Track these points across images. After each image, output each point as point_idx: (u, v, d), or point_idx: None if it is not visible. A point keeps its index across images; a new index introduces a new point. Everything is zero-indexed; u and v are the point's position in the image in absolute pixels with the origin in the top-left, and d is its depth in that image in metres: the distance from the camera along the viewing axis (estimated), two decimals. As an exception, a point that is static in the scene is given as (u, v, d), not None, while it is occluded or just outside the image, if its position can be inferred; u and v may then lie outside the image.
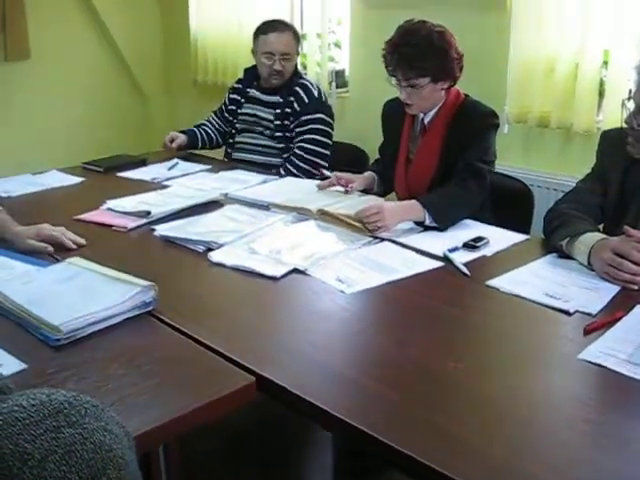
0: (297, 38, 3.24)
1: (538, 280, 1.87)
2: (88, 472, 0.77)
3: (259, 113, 3.27)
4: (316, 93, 3.20)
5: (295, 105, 3.16)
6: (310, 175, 3.01)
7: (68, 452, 0.75)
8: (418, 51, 2.33)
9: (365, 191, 2.69)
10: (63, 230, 2.15)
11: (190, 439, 1.54)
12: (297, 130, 3.15)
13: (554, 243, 2.05)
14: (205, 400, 1.36)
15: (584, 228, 1.98)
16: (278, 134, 3.21)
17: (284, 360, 1.51)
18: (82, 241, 2.14)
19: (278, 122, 3.20)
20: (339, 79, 4.27)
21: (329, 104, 3.27)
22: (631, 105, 1.95)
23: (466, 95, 2.50)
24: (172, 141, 3.28)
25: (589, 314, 1.68)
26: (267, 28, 3.21)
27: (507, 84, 3.40)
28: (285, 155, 3.20)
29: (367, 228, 2.22)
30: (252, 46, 3.28)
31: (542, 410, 1.34)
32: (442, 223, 2.27)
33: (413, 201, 2.30)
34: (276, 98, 3.22)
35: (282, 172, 3.07)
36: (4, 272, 1.93)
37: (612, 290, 1.80)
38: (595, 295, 1.78)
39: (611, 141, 2.14)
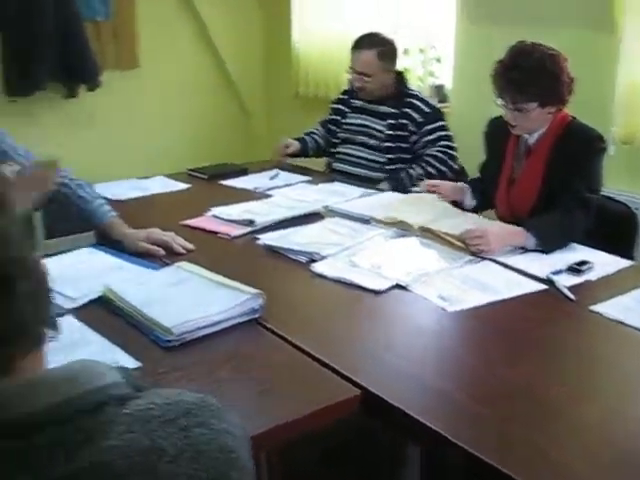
0: (384, 56, 3.24)
1: None
2: (214, 472, 0.81)
3: (367, 123, 3.31)
4: (432, 102, 3.29)
5: (414, 115, 3.19)
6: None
7: (198, 451, 0.80)
8: (529, 76, 2.30)
9: (455, 203, 2.68)
10: (173, 235, 2.24)
11: (290, 446, 1.57)
12: (424, 140, 3.18)
13: None
14: (310, 409, 1.39)
15: None
16: (388, 144, 3.23)
17: (384, 374, 1.53)
18: (190, 246, 2.22)
19: (391, 132, 3.23)
20: (439, 94, 4.27)
21: None
22: None
23: (573, 117, 2.46)
24: (287, 147, 3.35)
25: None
26: (355, 44, 3.29)
27: (614, 104, 3.33)
28: (390, 167, 3.22)
29: (469, 249, 2.22)
30: None
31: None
32: (547, 250, 2.26)
33: (519, 228, 2.28)
34: (386, 108, 3.26)
35: (386, 186, 3.08)
36: (117, 273, 2.03)
37: None
38: None
39: None
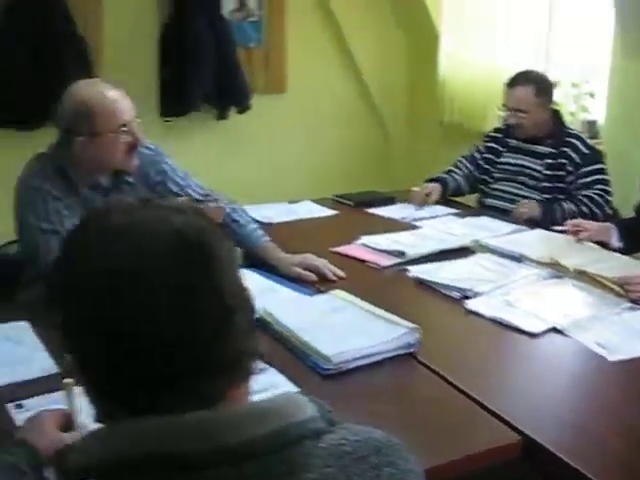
0: (540, 92, 3.18)
1: None
2: None
3: (524, 162, 3.26)
4: (591, 143, 3.19)
5: (573, 155, 3.12)
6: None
7: None
8: None
9: (602, 244, 2.60)
10: (325, 262, 2.29)
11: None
12: (581, 181, 3.10)
13: None
14: (466, 452, 1.38)
15: None
16: (546, 184, 3.17)
17: (545, 422, 1.50)
18: (342, 274, 2.26)
19: (549, 172, 3.17)
20: (592, 130, 4.16)
21: None
22: None
23: None
24: (428, 195, 3.24)
25: None
26: (510, 81, 3.24)
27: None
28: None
29: (629, 295, 2.14)
30: None
31: None
32: None
33: None
34: (543, 148, 3.20)
35: (536, 211, 3.02)
36: (271, 295, 2.09)
37: None
38: None
39: None
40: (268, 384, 1.51)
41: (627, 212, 2.83)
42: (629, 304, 2.11)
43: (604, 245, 2.61)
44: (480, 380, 1.66)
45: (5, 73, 3.71)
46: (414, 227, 2.88)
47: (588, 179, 3.08)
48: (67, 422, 1.22)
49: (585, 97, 4.20)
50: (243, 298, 0.83)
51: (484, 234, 2.76)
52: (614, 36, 3.88)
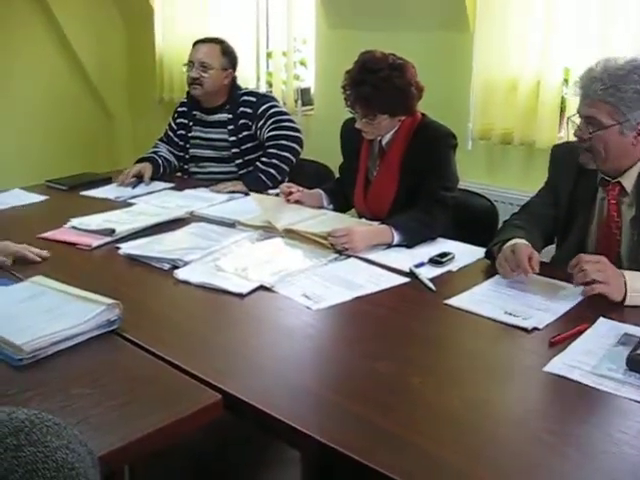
0: (226, 54, 3.24)
1: (498, 297, 1.90)
2: None
3: (212, 135, 3.28)
4: (259, 91, 3.38)
5: (248, 110, 3.19)
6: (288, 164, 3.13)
7: (29, 471, 0.75)
8: (376, 92, 2.34)
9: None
10: (25, 246, 2.14)
11: (156, 459, 1.52)
12: (259, 125, 3.17)
13: (488, 248, 2.13)
14: (171, 419, 1.35)
15: (513, 235, 2.04)
16: (235, 151, 3.22)
17: (250, 377, 1.51)
18: (45, 253, 2.14)
19: (234, 138, 3.21)
20: (305, 97, 4.29)
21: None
22: (576, 118, 2.01)
23: (423, 115, 2.51)
24: (140, 176, 3.17)
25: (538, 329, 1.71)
26: (197, 40, 3.27)
27: (470, 102, 3.45)
28: (243, 172, 3.22)
29: (335, 247, 2.23)
30: None
31: (506, 422, 1.36)
32: (411, 243, 2.30)
33: (383, 226, 2.31)
34: (223, 116, 3.24)
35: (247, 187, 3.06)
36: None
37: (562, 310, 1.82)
38: (547, 314, 1.79)
39: (561, 154, 2.22)
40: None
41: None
42: (334, 255, 2.20)
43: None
44: (188, 348, 1.63)
45: None
46: (130, 205, 2.80)
47: (263, 120, 3.16)
48: None
49: (296, 65, 4.32)
50: None
51: (200, 204, 2.76)
52: (316, 8, 4.03)
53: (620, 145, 1.95)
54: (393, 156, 2.49)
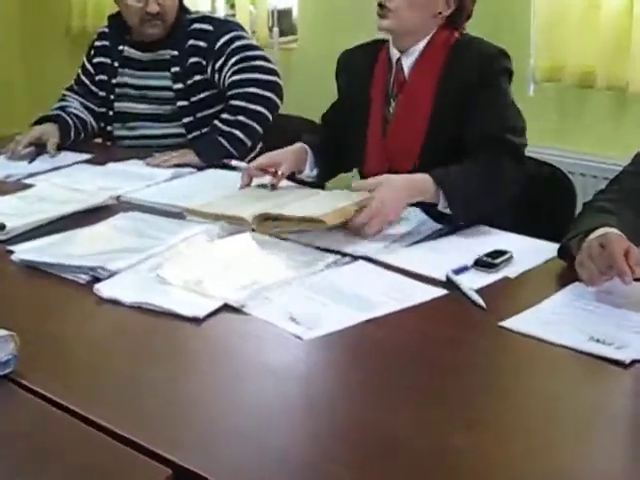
0: None
1: (578, 316, 1.90)
2: None
3: (146, 81, 3.32)
4: (217, 16, 3.53)
5: (201, 43, 3.23)
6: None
7: None
8: None
9: (293, 177, 2.75)
10: None
11: None
12: (216, 69, 3.22)
13: (564, 243, 2.14)
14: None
15: (602, 222, 2.03)
16: (182, 104, 3.25)
17: (214, 443, 1.50)
18: None
19: (180, 85, 3.25)
20: (284, 23, 4.30)
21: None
22: None
23: (462, 33, 2.58)
24: (42, 143, 3.20)
25: None
26: None
27: (532, 27, 3.45)
28: (196, 133, 3.26)
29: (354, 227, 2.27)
30: None
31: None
32: (467, 215, 2.34)
33: (423, 176, 2.34)
34: (165, 52, 3.28)
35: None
36: None
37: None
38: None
39: None
40: None
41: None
42: (334, 257, 2.21)
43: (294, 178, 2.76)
44: (116, 400, 1.63)
45: None
46: (27, 187, 2.83)
47: (221, 60, 3.20)
48: None
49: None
50: None
51: (132, 185, 2.79)
52: None
53: None
54: (421, 86, 2.56)
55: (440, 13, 2.51)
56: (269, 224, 2.34)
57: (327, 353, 1.82)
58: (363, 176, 2.66)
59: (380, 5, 2.49)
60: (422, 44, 2.54)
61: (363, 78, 2.62)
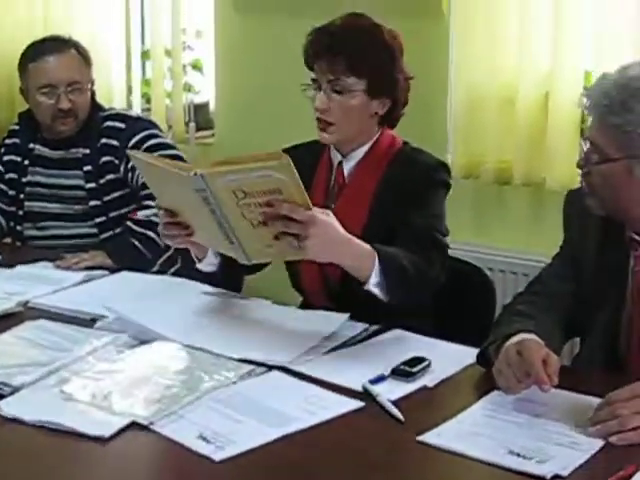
0: (86, 59, 3.31)
1: (498, 428, 1.88)
2: None
3: (58, 180, 3.29)
4: (131, 113, 3.48)
5: (114, 142, 3.22)
6: None
7: None
8: (358, 43, 2.47)
9: None
10: None
11: None
12: (131, 164, 3.16)
13: (482, 348, 2.14)
14: None
15: (519, 327, 2.04)
16: (94, 203, 3.22)
17: None
18: None
19: (92, 185, 3.22)
20: (201, 117, 4.29)
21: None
22: (586, 143, 2.08)
23: (405, 142, 2.63)
24: None
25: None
26: (38, 52, 3.26)
27: (448, 123, 3.47)
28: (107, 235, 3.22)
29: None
30: (20, 84, 3.33)
31: None
32: (395, 292, 2.30)
33: (365, 245, 2.29)
34: (77, 151, 3.26)
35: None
36: None
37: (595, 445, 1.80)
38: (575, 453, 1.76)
39: (581, 203, 2.20)
40: None
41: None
42: (249, 367, 2.16)
43: None
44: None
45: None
46: None
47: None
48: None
49: (187, 70, 4.33)
50: None
51: (39, 290, 2.75)
52: None
53: (627, 187, 2.00)
54: (360, 189, 2.59)
55: (377, 113, 2.54)
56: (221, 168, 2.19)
57: (241, 476, 1.76)
58: (299, 277, 2.67)
59: (319, 119, 2.52)
60: (364, 149, 2.58)
61: (305, 178, 2.61)
